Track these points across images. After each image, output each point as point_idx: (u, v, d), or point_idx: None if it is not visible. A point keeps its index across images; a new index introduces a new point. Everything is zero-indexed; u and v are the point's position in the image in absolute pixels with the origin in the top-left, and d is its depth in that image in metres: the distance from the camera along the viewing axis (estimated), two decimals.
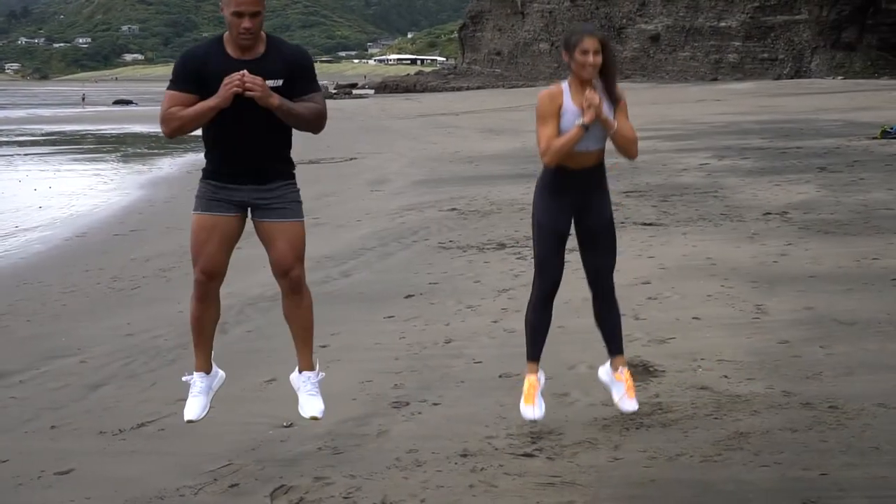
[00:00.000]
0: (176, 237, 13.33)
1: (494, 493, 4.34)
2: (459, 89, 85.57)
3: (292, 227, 4.63)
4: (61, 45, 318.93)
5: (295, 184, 4.73)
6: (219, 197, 4.60)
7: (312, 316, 4.80)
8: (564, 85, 4.93)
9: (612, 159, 5.09)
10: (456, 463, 4.70)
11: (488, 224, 12.65)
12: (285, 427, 5.35)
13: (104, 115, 63.99)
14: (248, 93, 4.30)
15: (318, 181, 18.35)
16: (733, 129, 27.68)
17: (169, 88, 4.50)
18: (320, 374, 4.84)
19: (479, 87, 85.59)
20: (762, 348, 6.40)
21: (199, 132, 4.60)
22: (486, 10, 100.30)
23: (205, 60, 4.47)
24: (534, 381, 5.11)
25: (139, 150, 34.87)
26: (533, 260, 5.19)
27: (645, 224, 11.56)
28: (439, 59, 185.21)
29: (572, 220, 5.03)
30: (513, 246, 10.87)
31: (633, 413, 5.05)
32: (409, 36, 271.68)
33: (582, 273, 8.78)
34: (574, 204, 4.97)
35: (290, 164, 4.72)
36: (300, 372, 4.84)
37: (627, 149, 4.98)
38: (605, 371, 5.24)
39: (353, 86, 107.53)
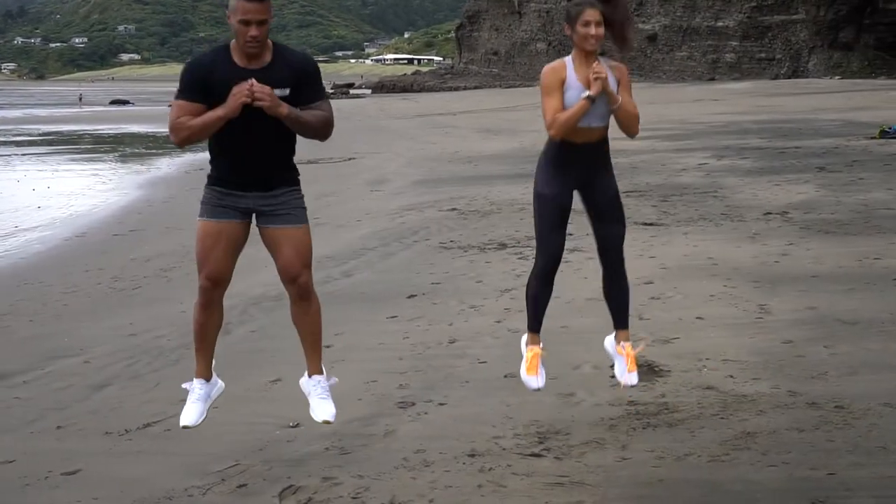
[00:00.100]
0: (175, 237, 13.33)
1: (503, 494, 4.34)
2: (457, 89, 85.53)
3: (298, 233, 4.65)
4: (57, 44, 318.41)
5: (299, 189, 4.75)
6: (224, 203, 4.61)
7: (321, 321, 4.82)
8: (568, 59, 4.97)
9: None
10: (464, 463, 4.70)
11: (489, 224, 12.66)
12: (292, 427, 5.35)
13: (101, 115, 63.92)
14: (256, 103, 4.31)
15: (316, 181, 18.33)
16: (731, 128, 27.69)
17: (176, 98, 4.51)
18: (333, 378, 4.85)
19: (476, 87, 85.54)
20: (766, 348, 6.41)
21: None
22: (483, 10, 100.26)
23: (211, 69, 4.47)
24: (536, 351, 5.15)
25: (137, 150, 34.84)
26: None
27: (646, 224, 11.56)
28: (436, 58, 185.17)
29: (574, 197, 5.05)
30: (514, 246, 10.87)
31: (633, 386, 5.08)
32: (406, 36, 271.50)
33: (585, 273, 8.88)
34: (577, 179, 4.99)
35: (295, 171, 4.74)
36: (310, 376, 4.85)
37: (630, 125, 5.02)
38: (609, 342, 5.29)
39: (350, 86, 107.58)
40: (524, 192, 14.96)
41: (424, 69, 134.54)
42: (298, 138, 4.66)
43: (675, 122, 29.82)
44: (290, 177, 4.69)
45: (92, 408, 6.13)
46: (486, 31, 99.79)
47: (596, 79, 4.79)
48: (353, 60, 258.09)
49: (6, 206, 18.36)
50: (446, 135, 32.11)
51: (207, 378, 4.84)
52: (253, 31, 4.36)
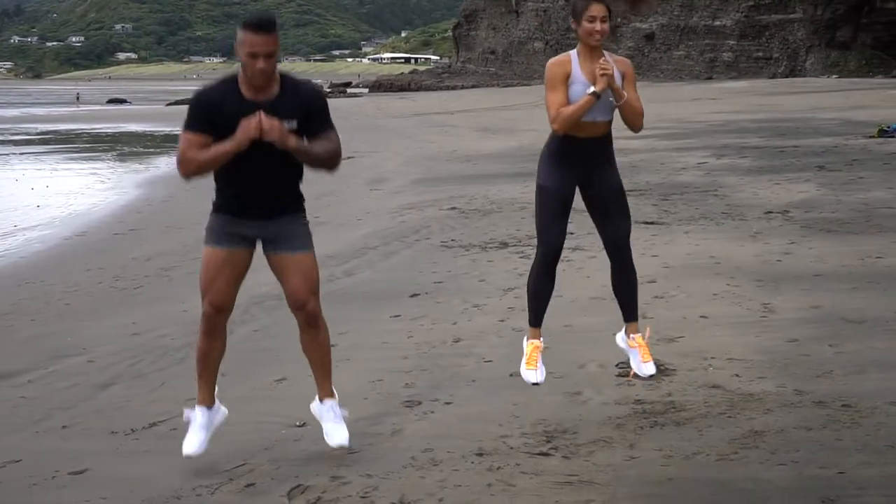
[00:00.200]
0: (176, 236, 13.33)
1: (512, 492, 4.33)
2: (454, 88, 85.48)
3: (304, 259, 4.71)
4: (54, 43, 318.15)
5: (305, 216, 4.81)
6: (229, 231, 4.67)
7: (329, 346, 4.91)
8: (573, 53, 4.96)
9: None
10: (472, 462, 4.70)
11: (489, 223, 12.65)
12: (298, 426, 5.34)
13: (99, 113, 63.86)
14: (266, 137, 4.33)
15: (316, 181, 18.01)
16: (730, 127, 27.70)
17: (184, 130, 4.53)
18: (344, 410, 4.95)
19: (473, 86, 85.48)
20: (771, 347, 6.41)
21: None
22: (481, 9, 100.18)
23: (219, 102, 4.50)
24: (536, 345, 5.15)
25: (135, 149, 34.82)
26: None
27: (647, 223, 11.56)
28: (433, 57, 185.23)
29: (576, 190, 5.05)
30: (515, 245, 10.87)
31: (651, 377, 5.11)
32: (403, 35, 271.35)
33: (588, 272, 8.89)
34: (580, 173, 5.00)
35: (301, 198, 4.79)
36: (321, 401, 4.93)
37: (634, 120, 5.03)
38: (621, 338, 5.32)
39: (348, 84, 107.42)
40: (524, 191, 14.96)
41: (421, 68, 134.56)
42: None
43: (673, 121, 29.83)
44: (295, 204, 4.75)
45: (97, 407, 6.12)
46: (483, 30, 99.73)
47: (602, 75, 4.79)
48: (350, 59, 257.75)
49: (5, 205, 18.35)
50: (444, 134, 32.10)
51: (210, 405, 4.89)
52: (261, 64, 4.39)
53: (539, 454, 4.77)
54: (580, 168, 5.00)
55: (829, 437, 4.76)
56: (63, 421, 5.83)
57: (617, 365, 6.06)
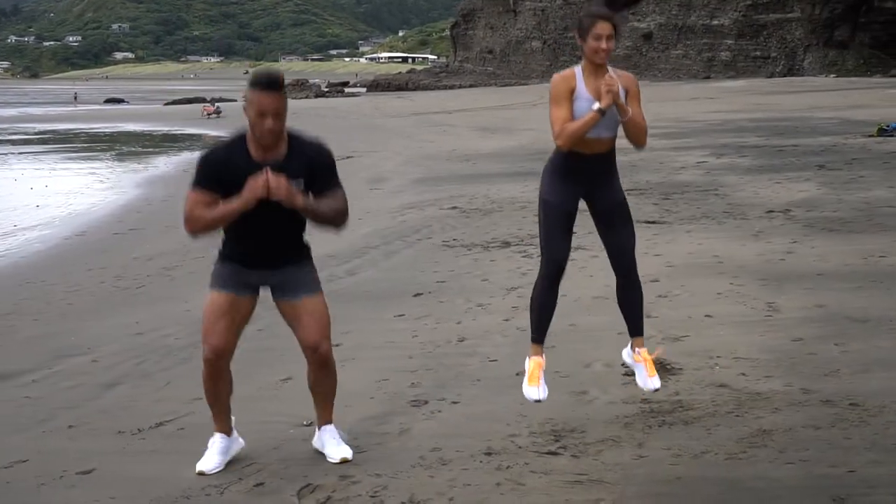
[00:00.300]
0: (176, 236, 13.27)
1: (522, 492, 4.33)
2: (452, 87, 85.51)
3: (313, 303, 4.74)
4: (51, 43, 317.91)
5: (310, 261, 4.84)
6: (235, 278, 4.70)
7: (336, 385, 4.93)
8: (577, 69, 4.93)
9: None
10: (481, 461, 4.69)
11: (491, 222, 12.65)
12: (305, 426, 5.33)
13: (96, 113, 63.84)
14: (273, 196, 4.35)
15: None
16: (729, 126, 27.72)
17: (191, 188, 4.54)
18: (344, 433, 4.98)
19: (471, 86, 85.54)
20: (777, 346, 6.41)
21: None
22: (478, 9, 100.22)
23: (227, 162, 4.51)
24: (538, 362, 5.15)
25: (134, 149, 34.79)
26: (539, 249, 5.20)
27: (648, 222, 11.56)
28: (431, 57, 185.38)
29: (580, 204, 5.05)
30: (517, 244, 10.86)
31: (656, 390, 5.11)
32: (401, 34, 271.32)
33: (591, 271, 8.88)
34: (584, 188, 4.98)
35: (306, 247, 4.82)
36: (319, 427, 4.96)
37: (638, 137, 5.02)
38: (626, 353, 5.31)
39: (345, 84, 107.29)
40: (524, 190, 14.98)
41: (419, 67, 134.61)
42: None
43: (671, 121, 29.83)
44: (301, 253, 4.78)
45: (103, 407, 6.11)
46: (480, 29, 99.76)
47: (608, 91, 4.76)
48: (347, 59, 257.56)
49: (4, 204, 18.36)
50: (443, 133, 32.10)
51: (228, 434, 4.91)
52: (270, 124, 4.40)
53: (548, 453, 4.77)
54: (584, 184, 4.99)
55: (837, 436, 4.76)
56: (69, 421, 5.82)
57: (622, 364, 6.05)
